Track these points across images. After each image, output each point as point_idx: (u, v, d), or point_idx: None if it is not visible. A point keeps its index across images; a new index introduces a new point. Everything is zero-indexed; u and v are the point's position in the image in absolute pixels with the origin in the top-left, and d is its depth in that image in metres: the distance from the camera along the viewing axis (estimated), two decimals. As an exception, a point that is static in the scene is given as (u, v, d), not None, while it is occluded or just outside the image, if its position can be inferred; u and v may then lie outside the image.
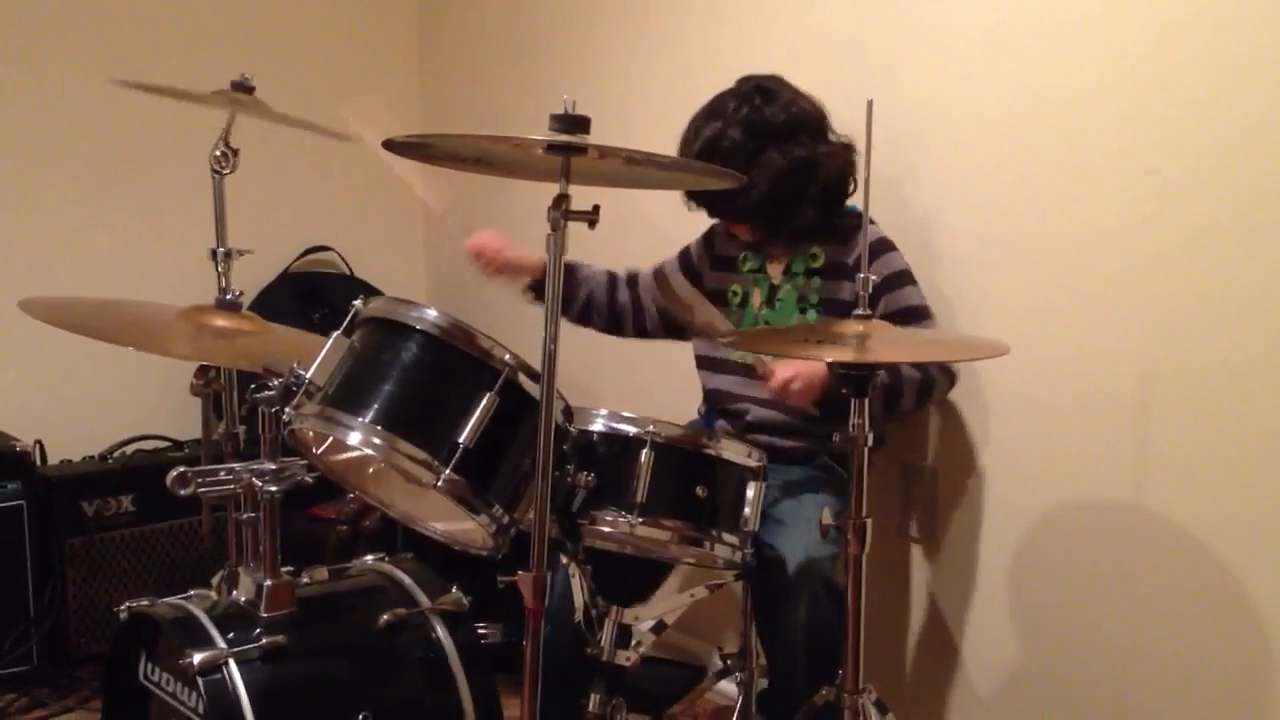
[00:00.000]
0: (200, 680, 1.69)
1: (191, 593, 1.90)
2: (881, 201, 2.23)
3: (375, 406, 1.66)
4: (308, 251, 3.46)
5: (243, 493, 1.85)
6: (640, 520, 1.80)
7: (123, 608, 1.87)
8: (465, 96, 3.53)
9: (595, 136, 1.53)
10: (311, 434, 1.78)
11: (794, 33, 2.51)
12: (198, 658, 1.69)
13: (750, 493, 1.89)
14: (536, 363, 1.57)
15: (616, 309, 2.41)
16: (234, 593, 1.86)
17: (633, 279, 2.43)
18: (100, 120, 3.05)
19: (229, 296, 2.02)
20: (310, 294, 3.36)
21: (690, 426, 2.18)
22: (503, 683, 1.92)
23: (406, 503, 1.86)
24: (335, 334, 1.76)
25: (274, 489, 1.82)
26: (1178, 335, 1.94)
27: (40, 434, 2.85)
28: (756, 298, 2.25)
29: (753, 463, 1.91)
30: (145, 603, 1.85)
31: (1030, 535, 2.18)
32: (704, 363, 2.34)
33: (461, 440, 1.63)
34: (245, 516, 1.86)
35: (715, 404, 2.30)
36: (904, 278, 2.15)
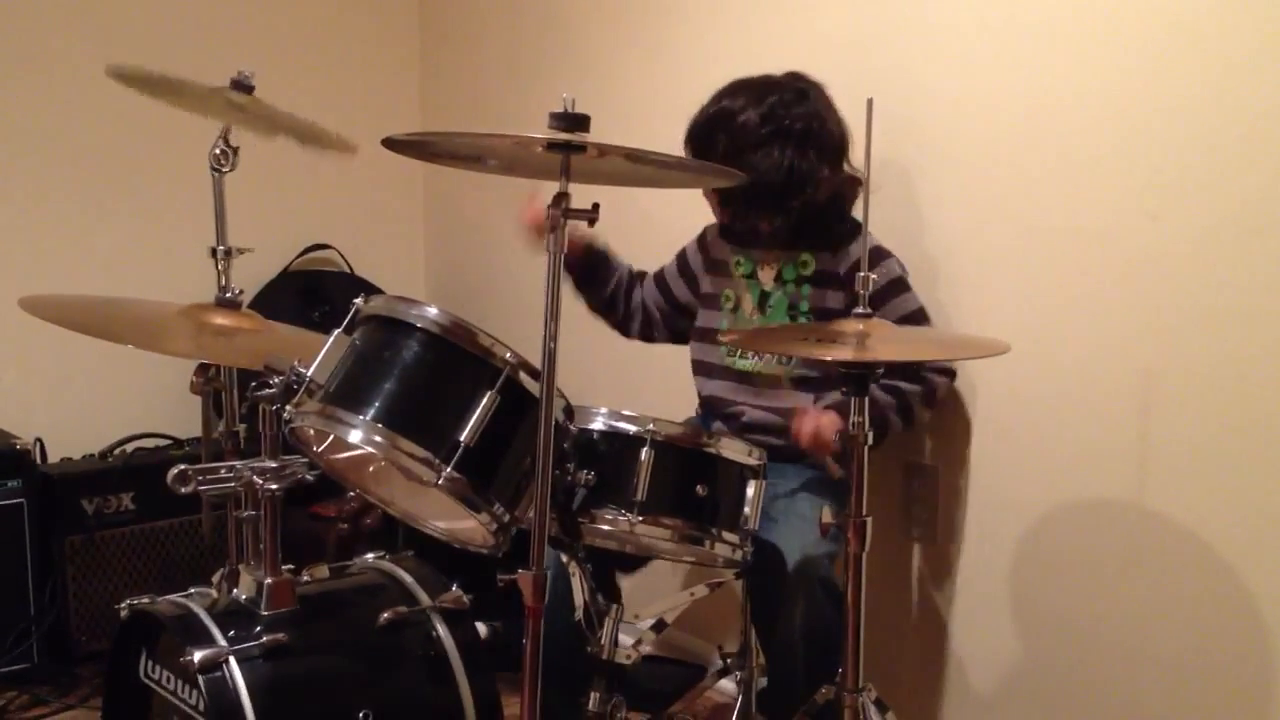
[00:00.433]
0: (201, 678, 1.69)
1: (192, 591, 1.90)
2: (881, 201, 2.24)
3: (376, 404, 1.66)
4: (308, 249, 3.46)
5: (243, 491, 1.85)
6: (640, 518, 1.80)
7: (123, 605, 1.87)
8: (465, 96, 3.53)
9: (595, 135, 1.53)
10: (312, 432, 1.78)
11: (794, 32, 2.51)
12: (198, 656, 1.69)
13: (750, 491, 1.89)
14: (537, 361, 1.57)
15: (631, 308, 2.41)
16: (234, 591, 1.86)
17: (642, 280, 2.43)
18: (100, 118, 3.05)
19: (229, 294, 2.01)
20: (310, 292, 3.36)
21: (690, 424, 2.19)
22: (502, 680, 1.92)
23: (407, 501, 1.86)
24: (336, 332, 1.76)
25: (274, 487, 1.82)
26: (1179, 334, 1.94)
27: (40, 432, 2.86)
28: (748, 303, 2.25)
29: (753, 461, 1.91)
30: (146, 601, 1.85)
31: (1030, 534, 2.19)
32: (699, 368, 2.33)
33: (462, 438, 1.63)
34: (246, 514, 1.86)
35: (711, 409, 2.29)
36: (901, 285, 2.15)
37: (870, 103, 1.71)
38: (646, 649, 1.92)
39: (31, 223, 3.04)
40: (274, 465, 1.82)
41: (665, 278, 2.40)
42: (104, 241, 3.13)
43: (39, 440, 2.83)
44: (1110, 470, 2.04)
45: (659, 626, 2.08)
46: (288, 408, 1.72)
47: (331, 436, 1.75)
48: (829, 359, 1.85)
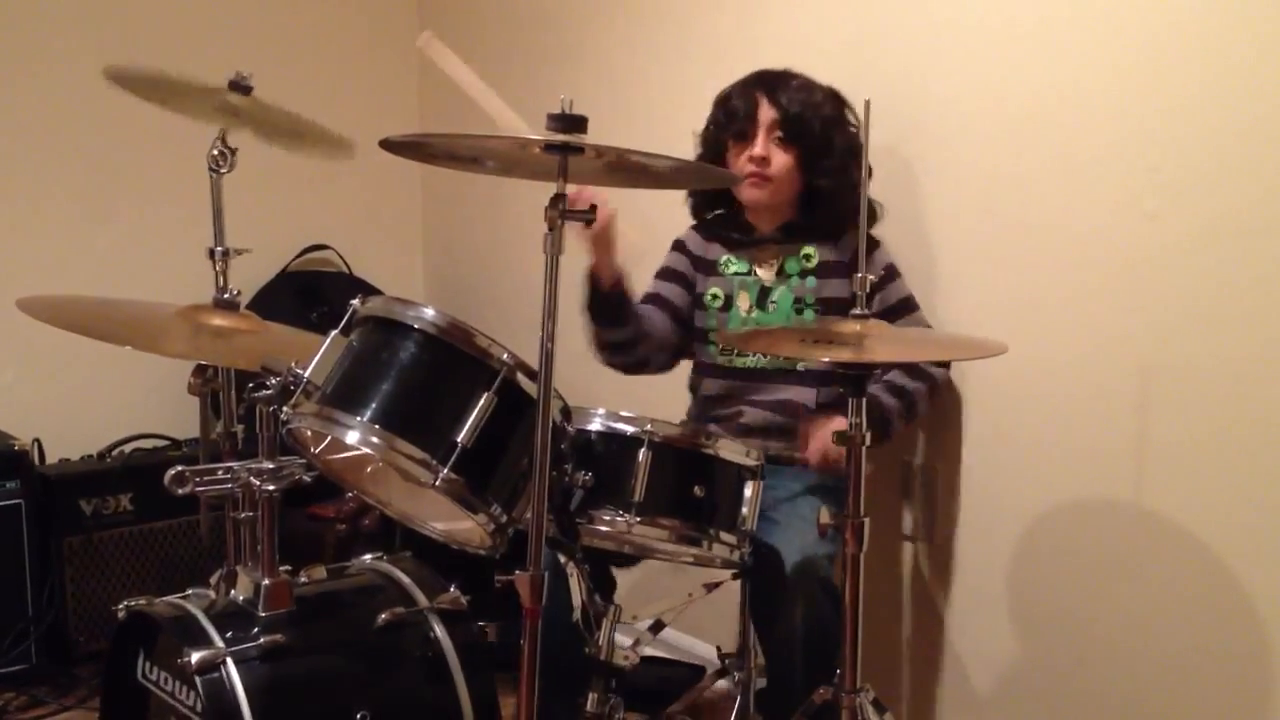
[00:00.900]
0: (198, 679, 1.69)
1: (190, 592, 1.90)
2: (880, 201, 2.24)
3: (373, 405, 1.66)
4: (306, 250, 3.46)
5: (241, 492, 1.85)
6: (638, 519, 1.80)
7: (121, 607, 1.87)
8: (464, 97, 3.52)
9: (593, 136, 1.53)
10: (310, 433, 1.77)
11: (793, 33, 2.51)
12: (196, 657, 1.69)
13: (748, 492, 1.90)
14: (534, 362, 1.57)
15: (649, 348, 2.24)
16: (232, 592, 1.86)
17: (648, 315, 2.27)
18: (98, 119, 3.05)
19: (227, 295, 2.01)
20: (308, 293, 3.36)
21: (687, 425, 2.19)
22: (500, 681, 1.92)
23: (405, 502, 1.86)
24: (333, 333, 1.75)
25: (272, 488, 1.82)
26: (1177, 333, 1.94)
27: (39, 433, 2.86)
28: (744, 300, 2.24)
29: (750, 462, 1.91)
30: (143, 602, 1.85)
31: (1028, 534, 2.19)
32: (695, 369, 2.32)
33: (460, 439, 1.63)
34: (243, 515, 1.86)
35: (707, 410, 2.28)
36: (893, 271, 2.20)
37: (868, 104, 1.72)
38: (645, 650, 1.92)
39: (29, 224, 3.04)
40: (271, 466, 1.82)
41: (665, 298, 2.29)
42: (102, 242, 3.13)
43: (37, 441, 2.84)
44: (1108, 470, 2.04)
45: (657, 627, 2.08)
46: (285, 409, 1.72)
47: (329, 437, 1.75)
48: (826, 360, 1.85)
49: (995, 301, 2.19)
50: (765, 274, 2.24)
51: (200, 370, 2.03)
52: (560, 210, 1.53)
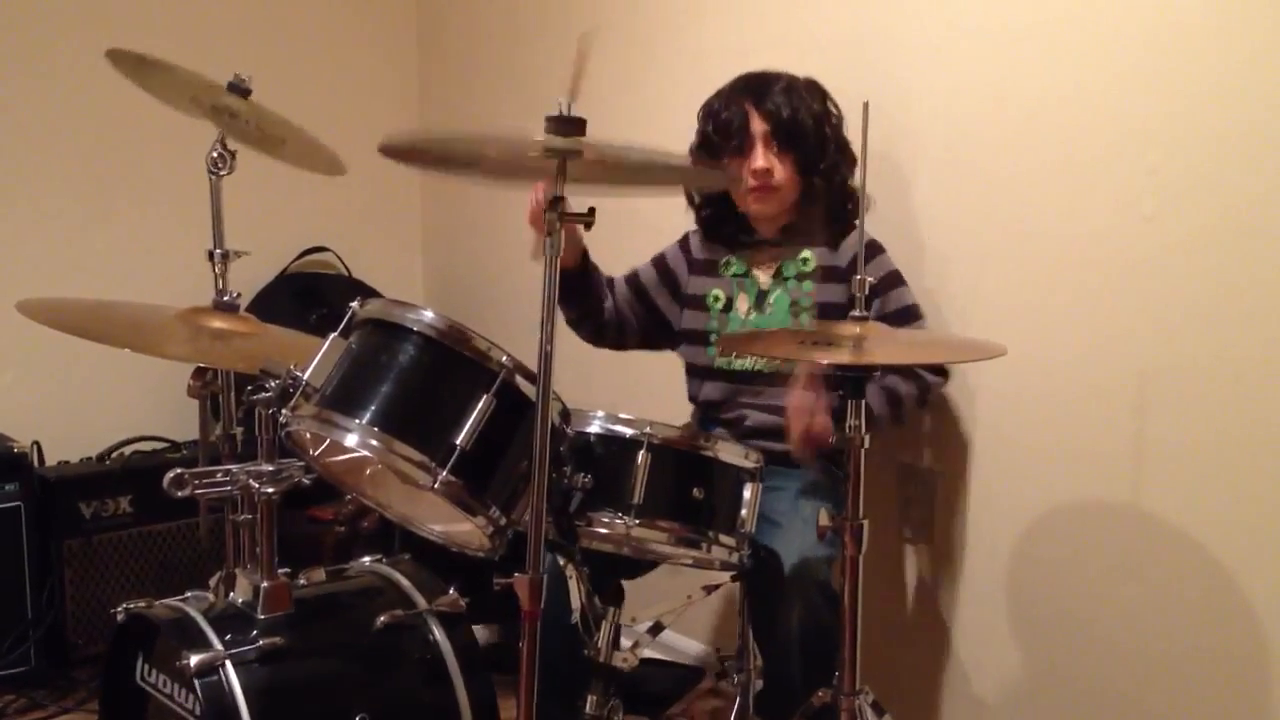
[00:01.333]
0: (197, 682, 1.69)
1: (189, 594, 1.89)
2: (879, 202, 2.24)
3: (372, 408, 1.66)
4: (305, 252, 3.46)
5: (240, 494, 1.85)
6: (637, 521, 1.80)
7: (120, 609, 1.87)
8: (464, 98, 3.53)
9: (592, 138, 1.53)
10: (309, 435, 1.77)
11: (791, 33, 2.51)
12: (194, 659, 1.69)
13: (747, 494, 1.90)
14: (533, 364, 1.57)
15: (605, 317, 2.31)
16: (231, 594, 1.86)
17: (612, 285, 2.35)
18: (98, 121, 3.05)
19: (226, 298, 2.02)
20: (308, 295, 3.35)
21: (687, 428, 2.19)
22: (500, 683, 1.92)
23: (404, 504, 1.85)
24: (332, 335, 1.76)
25: (271, 490, 1.82)
26: (1176, 335, 1.94)
27: (38, 435, 2.86)
28: (743, 302, 2.24)
29: (750, 464, 1.91)
30: (142, 604, 1.85)
31: (1027, 536, 2.19)
32: (693, 371, 2.32)
33: (458, 442, 1.63)
34: (242, 518, 1.86)
35: (709, 413, 2.29)
36: (896, 279, 2.17)
37: (866, 105, 1.72)
38: (644, 652, 1.92)
39: (29, 226, 3.04)
40: (270, 469, 1.82)
41: (641, 282, 2.34)
42: (101, 245, 3.13)
43: (36, 443, 2.83)
44: (1107, 472, 2.04)
45: (656, 629, 2.08)
46: (284, 411, 1.72)
47: (328, 440, 1.75)
48: (825, 362, 1.85)
49: (995, 303, 2.19)
50: (763, 276, 2.24)
51: (200, 373, 2.03)
52: (559, 213, 1.53)
